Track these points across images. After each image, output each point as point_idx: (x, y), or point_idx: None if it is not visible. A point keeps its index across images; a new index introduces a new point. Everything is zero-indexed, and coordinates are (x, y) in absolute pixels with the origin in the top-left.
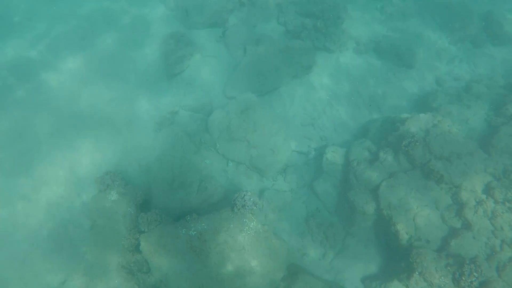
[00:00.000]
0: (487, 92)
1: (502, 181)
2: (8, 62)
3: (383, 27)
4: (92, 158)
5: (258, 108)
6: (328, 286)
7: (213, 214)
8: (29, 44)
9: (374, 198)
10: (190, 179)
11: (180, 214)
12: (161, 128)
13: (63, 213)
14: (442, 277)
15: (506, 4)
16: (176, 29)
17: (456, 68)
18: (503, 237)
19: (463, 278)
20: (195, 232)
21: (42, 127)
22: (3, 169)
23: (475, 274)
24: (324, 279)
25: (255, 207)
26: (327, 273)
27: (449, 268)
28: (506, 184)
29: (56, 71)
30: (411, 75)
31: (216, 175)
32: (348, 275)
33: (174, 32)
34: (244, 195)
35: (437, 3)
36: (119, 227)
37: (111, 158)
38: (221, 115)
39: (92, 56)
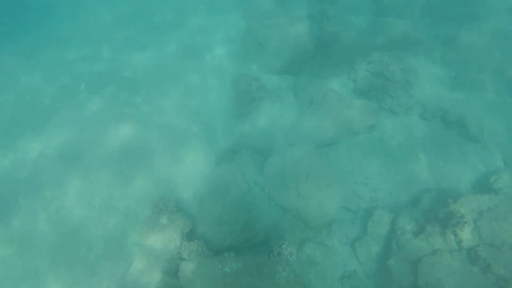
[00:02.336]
0: None
1: None
2: None
3: (454, 97)
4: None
5: (313, 160)
6: None
7: (249, 256)
8: None
9: (413, 272)
10: (237, 218)
11: (221, 248)
12: (220, 163)
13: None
14: None
15: None
16: (252, 72)
17: None
18: None
19: None
20: (229, 270)
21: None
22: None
23: None
24: None
25: (290, 258)
26: None
27: None
28: None
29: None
30: (476, 150)
31: (263, 218)
32: None
33: (247, 75)
34: (282, 244)
35: None
36: (163, 250)
37: (171, 181)
38: (277, 160)
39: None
